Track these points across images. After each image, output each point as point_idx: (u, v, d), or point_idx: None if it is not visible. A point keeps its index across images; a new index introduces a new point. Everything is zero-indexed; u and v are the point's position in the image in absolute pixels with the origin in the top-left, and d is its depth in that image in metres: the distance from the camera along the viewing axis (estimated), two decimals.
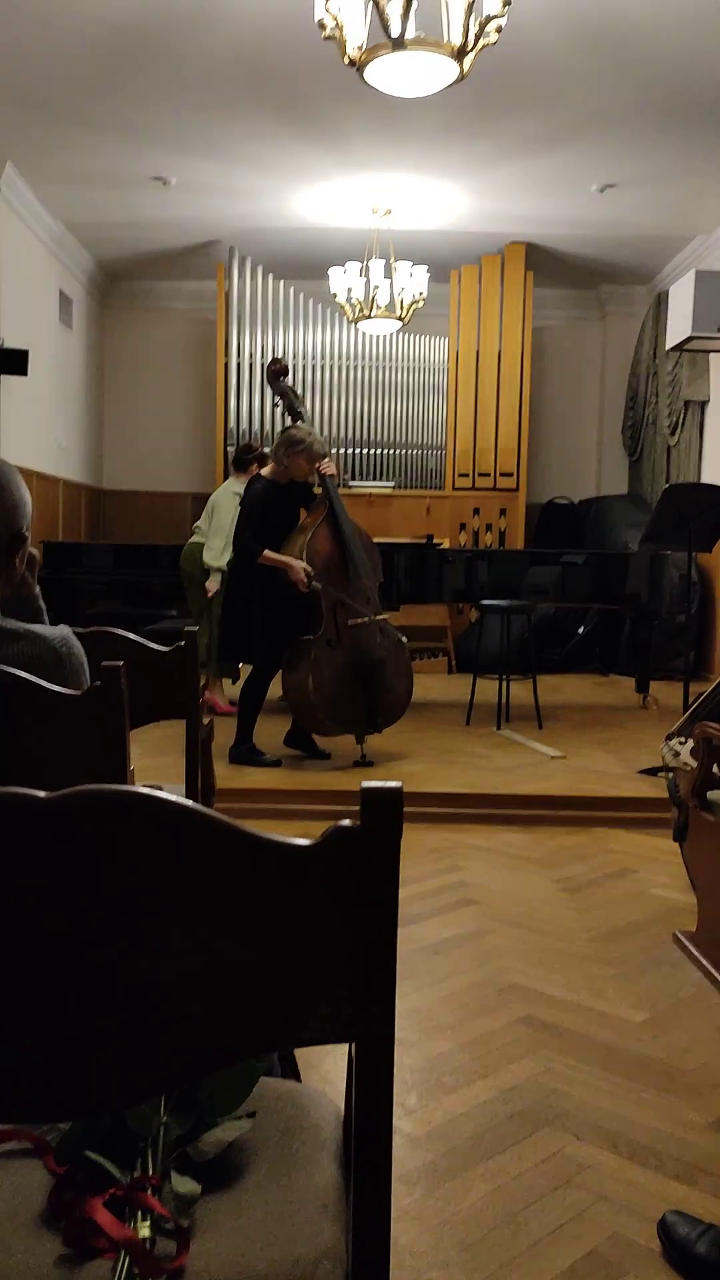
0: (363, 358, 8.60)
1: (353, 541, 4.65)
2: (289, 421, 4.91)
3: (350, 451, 8.57)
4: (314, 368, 8.54)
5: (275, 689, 4.98)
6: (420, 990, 2.63)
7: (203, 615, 5.77)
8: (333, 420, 8.56)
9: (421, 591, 6.27)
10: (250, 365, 8.44)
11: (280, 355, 6.07)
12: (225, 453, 8.37)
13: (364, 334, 8.41)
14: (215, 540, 5.69)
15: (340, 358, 8.59)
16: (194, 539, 5.90)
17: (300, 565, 4.44)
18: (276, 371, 4.89)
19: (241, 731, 4.68)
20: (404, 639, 4.79)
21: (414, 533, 8.04)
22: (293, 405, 4.83)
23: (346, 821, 0.78)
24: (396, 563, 6.08)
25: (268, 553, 4.47)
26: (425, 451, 8.67)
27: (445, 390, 8.61)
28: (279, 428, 8.00)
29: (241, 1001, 0.79)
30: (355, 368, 8.60)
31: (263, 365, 8.37)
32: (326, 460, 4.70)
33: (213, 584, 5.63)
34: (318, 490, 4.79)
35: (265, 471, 4.66)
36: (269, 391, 8.34)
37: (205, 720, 2.53)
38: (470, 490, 8.56)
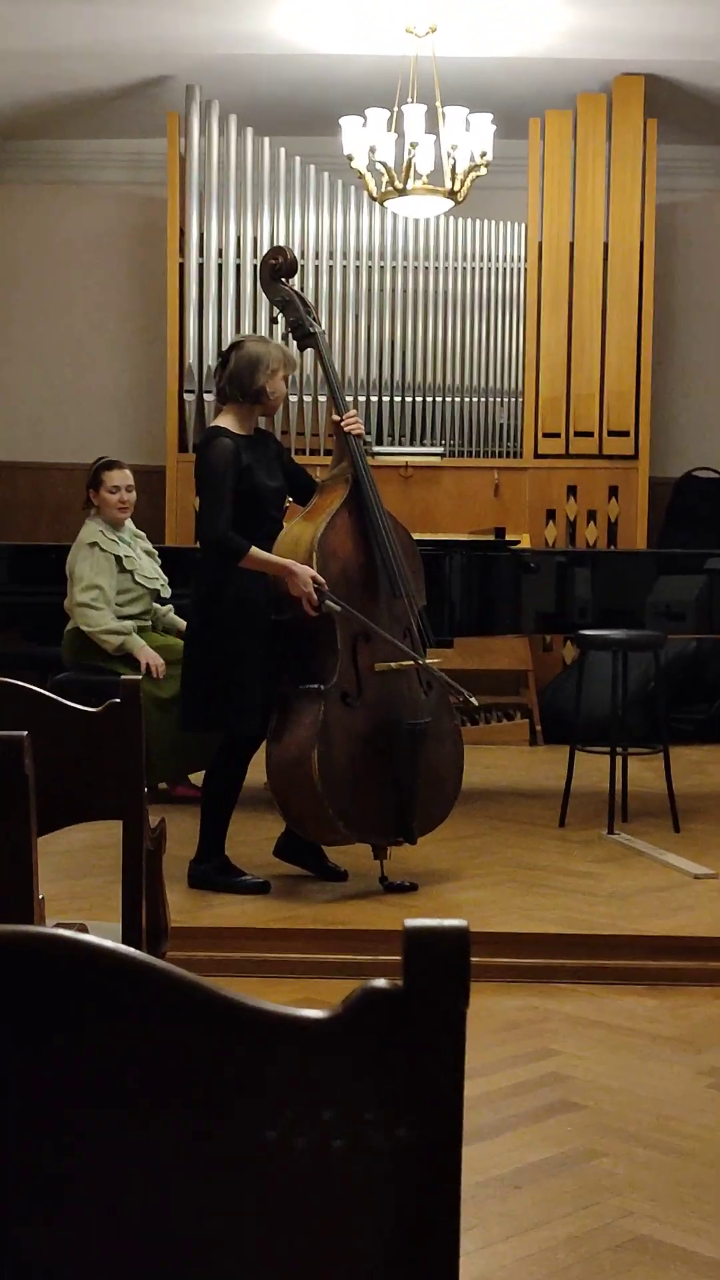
0: (393, 256, 8.67)
1: (387, 539, 4.68)
2: (293, 347, 4.95)
3: (374, 400, 8.62)
4: (318, 271, 8.61)
5: (257, 773, 4.99)
6: (492, 1245, 2.62)
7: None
8: (348, 353, 8.62)
9: (488, 618, 6.27)
10: (220, 267, 8.52)
11: (284, 246, 6.11)
12: (181, 403, 8.43)
13: (395, 218, 8.47)
14: (92, 609, 5.54)
15: (358, 256, 8.66)
16: (70, 625, 5.72)
17: (307, 573, 4.45)
18: (277, 268, 4.91)
19: (207, 839, 4.70)
20: (474, 700, 4.77)
21: (474, 525, 8.08)
22: (301, 321, 4.85)
23: (381, 982, 0.77)
24: (448, 573, 6.09)
25: (256, 551, 4.48)
26: (491, 400, 8.73)
27: (523, 305, 8.68)
28: None
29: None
30: (381, 270, 8.68)
31: (244, 266, 8.43)
32: (351, 415, 4.73)
33: (114, 642, 5.45)
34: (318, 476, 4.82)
35: (224, 422, 4.68)
36: (260, 302, 8.42)
37: (154, 821, 2.54)
38: (562, 458, 8.61)
